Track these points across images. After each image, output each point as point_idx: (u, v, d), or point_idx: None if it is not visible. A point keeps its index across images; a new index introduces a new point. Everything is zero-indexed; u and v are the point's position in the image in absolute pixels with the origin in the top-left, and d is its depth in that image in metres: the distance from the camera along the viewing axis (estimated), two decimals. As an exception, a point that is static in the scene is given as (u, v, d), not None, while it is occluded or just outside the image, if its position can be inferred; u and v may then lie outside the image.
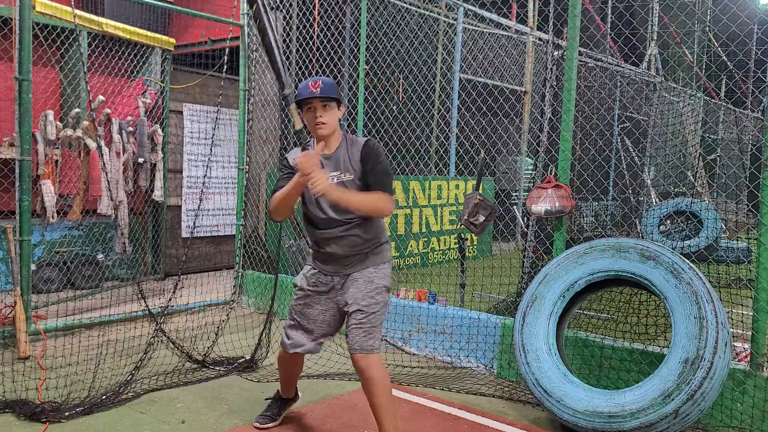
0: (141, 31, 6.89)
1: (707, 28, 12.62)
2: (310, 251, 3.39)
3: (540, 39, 11.05)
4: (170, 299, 4.90)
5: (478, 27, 10.92)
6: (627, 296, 4.98)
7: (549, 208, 4.32)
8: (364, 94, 5.90)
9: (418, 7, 9.79)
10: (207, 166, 5.52)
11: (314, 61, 7.51)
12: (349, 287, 3.19)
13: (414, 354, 4.99)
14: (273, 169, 7.40)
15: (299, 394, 3.76)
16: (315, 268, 3.30)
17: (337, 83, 8.21)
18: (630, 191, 10.06)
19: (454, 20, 10.43)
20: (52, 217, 5.82)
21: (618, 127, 10.21)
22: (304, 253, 6.11)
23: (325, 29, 7.34)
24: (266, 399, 3.74)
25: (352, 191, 3.07)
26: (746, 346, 3.78)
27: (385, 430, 3.10)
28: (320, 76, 3.15)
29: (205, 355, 4.60)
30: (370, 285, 3.16)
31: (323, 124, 3.07)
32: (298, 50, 8.32)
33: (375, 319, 3.13)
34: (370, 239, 3.18)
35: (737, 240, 8.71)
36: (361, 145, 3.12)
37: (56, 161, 5.98)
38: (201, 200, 5.59)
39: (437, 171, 10.22)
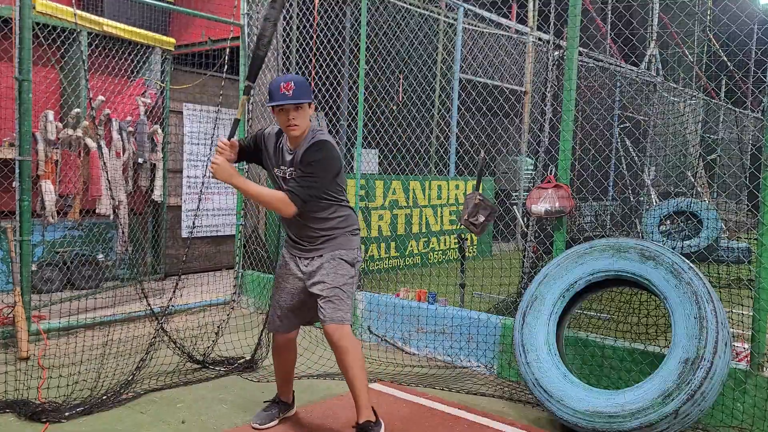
0: (141, 31, 6.89)
1: (707, 28, 12.62)
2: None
3: (540, 39, 11.06)
4: (171, 299, 4.90)
5: (478, 27, 10.93)
6: (627, 296, 4.98)
7: (549, 208, 4.32)
8: (364, 94, 5.89)
9: (418, 7, 9.78)
10: (207, 166, 5.51)
11: (314, 61, 7.51)
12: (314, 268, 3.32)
13: (414, 354, 4.99)
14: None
15: (295, 404, 3.77)
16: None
17: (337, 83, 8.24)
18: (630, 191, 10.06)
19: (454, 20, 10.43)
20: (52, 217, 5.82)
21: (618, 127, 10.21)
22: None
23: (325, 29, 7.34)
24: (264, 402, 3.75)
25: (250, 182, 3.33)
26: (746, 346, 3.78)
27: (360, 403, 3.24)
28: (292, 74, 3.21)
29: (205, 355, 4.60)
30: (332, 262, 3.29)
31: (296, 126, 3.17)
32: (298, 50, 8.32)
33: (341, 293, 3.25)
34: (325, 229, 3.30)
35: (737, 240, 8.70)
36: (310, 145, 3.19)
37: (56, 161, 5.98)
38: (200, 200, 5.56)
39: (437, 171, 10.22)
